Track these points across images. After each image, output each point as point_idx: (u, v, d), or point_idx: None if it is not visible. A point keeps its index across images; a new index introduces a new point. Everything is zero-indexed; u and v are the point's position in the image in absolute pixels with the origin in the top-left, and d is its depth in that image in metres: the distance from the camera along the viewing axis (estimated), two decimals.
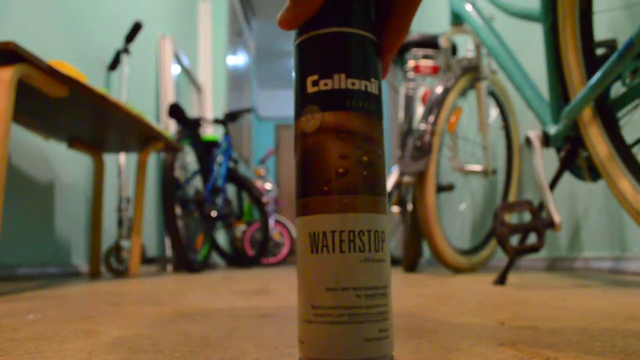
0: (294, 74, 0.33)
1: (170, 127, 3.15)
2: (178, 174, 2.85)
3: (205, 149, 2.96)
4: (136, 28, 2.37)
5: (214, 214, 2.87)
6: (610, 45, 1.09)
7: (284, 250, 4.98)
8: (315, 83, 0.31)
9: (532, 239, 1.73)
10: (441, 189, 2.10)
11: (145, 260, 2.43)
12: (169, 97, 3.18)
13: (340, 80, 0.30)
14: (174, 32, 3.59)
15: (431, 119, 1.72)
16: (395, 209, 2.55)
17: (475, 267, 1.91)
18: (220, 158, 3.10)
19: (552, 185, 1.21)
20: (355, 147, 0.30)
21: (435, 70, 2.25)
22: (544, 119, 1.29)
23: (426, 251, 2.88)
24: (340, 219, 0.29)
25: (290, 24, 0.32)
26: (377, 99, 0.32)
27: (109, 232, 2.30)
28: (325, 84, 0.30)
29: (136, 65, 2.80)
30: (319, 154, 0.30)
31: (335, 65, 0.31)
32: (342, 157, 0.30)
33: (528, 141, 1.25)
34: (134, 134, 1.88)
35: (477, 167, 2.00)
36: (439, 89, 1.77)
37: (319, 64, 0.31)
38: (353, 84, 0.30)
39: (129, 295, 1.02)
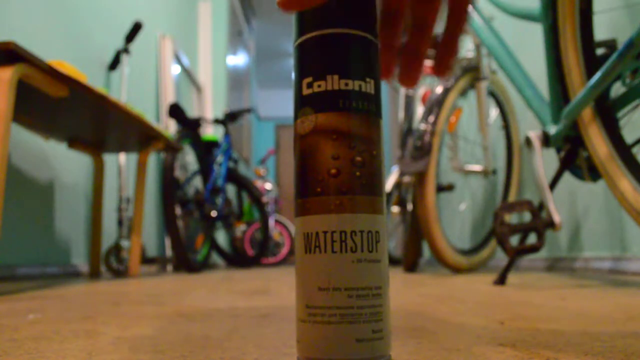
0: (293, 76, 0.33)
1: (170, 127, 3.14)
2: (178, 174, 2.85)
3: (205, 149, 2.96)
4: (136, 28, 2.37)
5: (214, 214, 2.87)
6: (610, 45, 1.09)
7: (284, 250, 4.98)
8: (309, 85, 0.31)
9: (532, 239, 1.73)
10: (441, 189, 2.10)
11: (145, 260, 2.43)
12: (169, 97, 3.18)
13: (334, 81, 0.30)
14: (174, 32, 3.59)
15: (431, 119, 1.72)
16: (395, 209, 2.55)
17: (475, 267, 1.91)
18: (220, 158, 3.10)
19: (552, 185, 1.21)
20: (348, 147, 0.30)
21: None
22: (544, 119, 1.29)
23: (426, 251, 2.88)
24: (332, 219, 0.30)
25: (291, 5, 0.30)
26: (373, 98, 0.31)
27: (109, 232, 2.30)
28: (319, 86, 0.31)
29: (136, 65, 2.80)
30: (313, 155, 0.30)
31: (328, 66, 0.31)
32: (334, 158, 0.30)
33: (528, 141, 1.25)
34: (134, 134, 1.88)
35: (477, 167, 2.00)
36: (439, 89, 1.77)
37: (313, 65, 0.31)
38: (347, 84, 0.30)
39: (129, 295, 1.02)
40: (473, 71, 1.86)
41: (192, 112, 4.06)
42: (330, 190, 0.30)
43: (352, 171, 0.30)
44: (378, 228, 0.31)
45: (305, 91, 0.31)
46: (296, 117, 0.32)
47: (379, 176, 0.31)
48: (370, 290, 0.30)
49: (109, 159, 2.35)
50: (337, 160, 0.30)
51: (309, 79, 0.31)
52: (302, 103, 0.31)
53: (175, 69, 3.55)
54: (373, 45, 0.32)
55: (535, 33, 1.81)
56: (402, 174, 1.92)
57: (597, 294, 0.87)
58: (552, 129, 1.22)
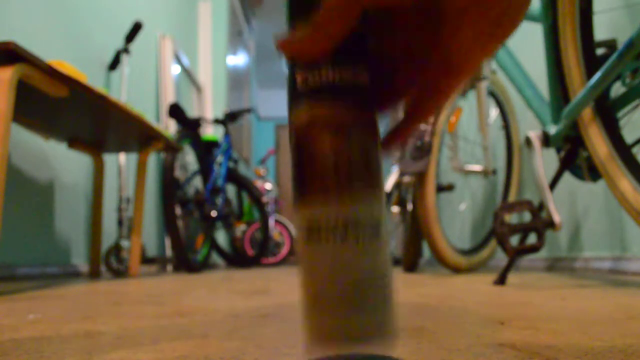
0: (285, 69, 0.33)
1: (170, 127, 3.15)
2: (178, 174, 2.84)
3: (205, 149, 2.96)
4: (136, 28, 2.37)
5: (214, 214, 2.87)
6: (610, 45, 1.09)
7: (284, 250, 4.98)
8: (303, 77, 0.31)
9: (532, 239, 1.73)
10: (441, 189, 2.10)
11: (145, 260, 2.43)
12: (169, 97, 3.18)
13: (328, 72, 0.30)
14: (174, 32, 3.59)
15: (431, 119, 1.72)
16: (395, 209, 2.55)
17: (475, 267, 1.91)
18: (220, 158, 3.10)
19: (552, 185, 1.21)
20: (345, 138, 0.30)
21: None
22: (544, 119, 1.29)
23: (426, 251, 2.88)
24: (332, 211, 0.30)
25: (290, 50, 0.28)
26: (369, 88, 0.31)
27: (109, 232, 2.30)
28: (314, 77, 0.30)
29: (136, 65, 2.80)
30: (310, 148, 0.30)
31: (322, 57, 0.30)
32: (331, 150, 0.30)
33: (528, 141, 1.25)
34: (134, 134, 1.88)
35: (477, 167, 2.00)
36: None
37: None
38: (342, 74, 0.30)
39: (129, 295, 1.02)
40: None
41: (192, 112, 4.06)
42: (329, 182, 0.30)
43: (350, 162, 0.30)
44: (378, 218, 0.31)
45: (300, 83, 0.31)
46: (291, 110, 0.32)
47: (377, 166, 0.31)
48: (374, 280, 0.30)
49: (109, 159, 2.35)
50: (335, 152, 0.30)
51: (303, 70, 0.31)
52: (297, 95, 0.31)
53: (175, 69, 3.55)
54: (368, 35, 0.32)
55: (535, 33, 1.81)
56: (402, 174, 1.92)
57: (597, 294, 0.87)
58: (552, 129, 1.22)
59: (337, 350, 0.29)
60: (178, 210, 2.61)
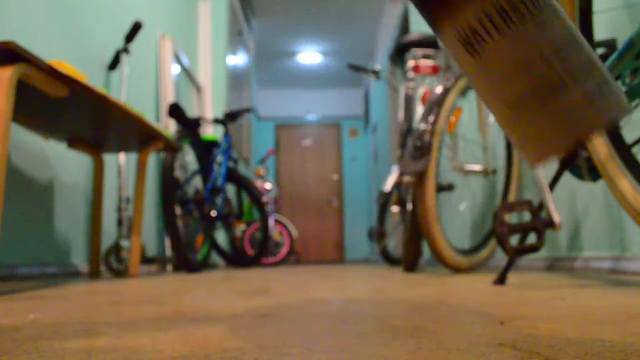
0: None
1: (170, 127, 3.14)
2: (178, 174, 2.85)
3: (205, 149, 2.96)
4: (136, 28, 2.37)
5: (214, 214, 2.87)
6: (610, 45, 1.09)
7: (284, 250, 4.98)
8: None
9: (532, 239, 1.73)
10: (441, 189, 2.10)
11: (145, 260, 2.43)
12: (169, 97, 3.18)
13: None
14: (174, 32, 3.59)
15: (431, 119, 1.72)
16: (395, 209, 2.55)
17: (475, 267, 1.91)
18: (220, 158, 3.10)
19: (552, 185, 1.21)
20: None
21: (435, 70, 2.25)
22: None
23: (426, 251, 2.88)
24: (477, 6, 0.26)
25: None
26: None
27: (109, 232, 2.30)
28: None
29: (136, 65, 2.80)
30: None
31: None
32: None
33: None
34: (134, 134, 1.88)
35: (477, 167, 2.00)
36: (439, 89, 1.77)
37: None
38: None
39: (129, 295, 1.02)
40: None
41: (192, 112, 4.06)
42: None
43: None
44: None
45: None
46: None
47: None
48: (562, 47, 0.25)
49: (109, 159, 2.35)
50: None
51: None
52: None
53: (175, 69, 3.55)
54: None
55: None
56: (402, 174, 1.92)
57: (597, 294, 0.87)
58: None
59: (568, 132, 0.26)
60: (178, 210, 2.61)
